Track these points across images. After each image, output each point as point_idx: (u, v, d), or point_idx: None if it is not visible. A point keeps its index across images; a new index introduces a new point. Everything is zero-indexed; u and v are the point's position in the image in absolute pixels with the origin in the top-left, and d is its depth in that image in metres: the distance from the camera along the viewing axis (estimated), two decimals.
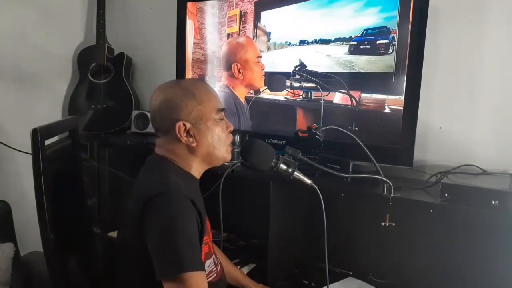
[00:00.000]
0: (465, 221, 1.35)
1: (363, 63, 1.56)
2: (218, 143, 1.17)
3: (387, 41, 1.52)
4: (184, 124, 1.12)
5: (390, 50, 1.52)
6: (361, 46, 1.57)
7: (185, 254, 0.98)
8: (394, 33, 1.50)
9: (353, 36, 1.58)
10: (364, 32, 1.57)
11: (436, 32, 1.55)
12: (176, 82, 1.22)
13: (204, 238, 1.10)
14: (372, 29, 1.56)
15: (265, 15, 1.78)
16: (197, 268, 1.00)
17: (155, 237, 1.00)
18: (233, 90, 1.86)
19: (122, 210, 1.19)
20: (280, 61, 1.74)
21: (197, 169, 1.18)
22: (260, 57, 1.78)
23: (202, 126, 1.14)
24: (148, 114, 1.96)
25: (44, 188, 1.17)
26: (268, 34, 1.77)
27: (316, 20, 1.66)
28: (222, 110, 1.19)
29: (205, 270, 1.05)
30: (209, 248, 1.16)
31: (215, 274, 1.18)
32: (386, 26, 1.52)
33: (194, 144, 1.14)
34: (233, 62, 1.83)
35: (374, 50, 1.55)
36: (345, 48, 1.60)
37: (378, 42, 1.54)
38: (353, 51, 1.59)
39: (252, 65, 1.81)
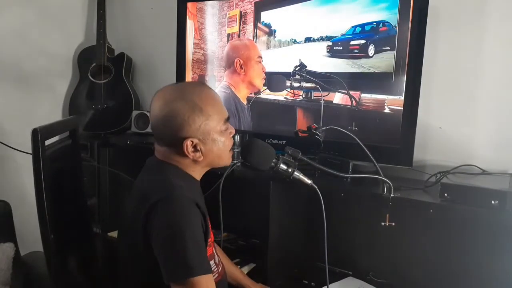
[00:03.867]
0: (465, 221, 1.35)
1: (365, 61, 1.54)
2: (223, 152, 1.17)
3: (362, 41, 1.42)
4: (192, 141, 1.10)
5: (371, 52, 1.41)
6: (334, 48, 1.50)
7: (193, 258, 0.98)
8: (383, 29, 1.43)
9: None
10: (354, 29, 1.48)
11: (436, 32, 1.55)
12: (180, 93, 1.13)
13: (208, 240, 1.10)
14: (362, 25, 1.45)
15: (265, 15, 1.78)
16: (205, 271, 1.00)
17: (162, 242, 1.00)
18: (234, 91, 1.86)
19: (122, 211, 1.19)
20: (284, 59, 1.74)
21: (198, 172, 1.18)
22: (261, 57, 1.79)
23: (209, 140, 1.12)
24: (148, 114, 1.95)
25: (44, 188, 1.17)
26: (273, 31, 1.77)
27: (322, 16, 1.65)
28: (228, 119, 1.18)
29: (212, 272, 1.05)
30: (212, 249, 1.16)
31: (216, 275, 1.18)
32: (376, 22, 1.42)
33: (201, 159, 1.13)
34: (236, 58, 1.84)
35: (346, 53, 1.46)
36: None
37: (351, 43, 1.45)
38: (328, 52, 1.53)
39: (253, 63, 1.81)
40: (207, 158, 1.14)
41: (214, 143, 1.13)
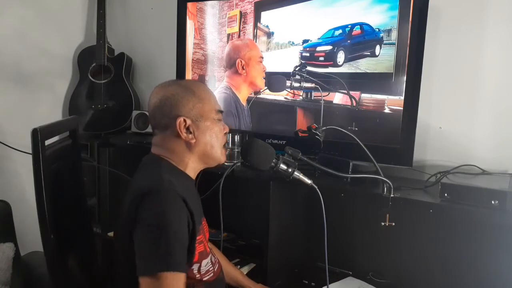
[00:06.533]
0: (465, 221, 1.35)
1: (365, 62, 1.53)
2: (216, 142, 1.19)
3: (329, 47, 1.33)
4: (184, 120, 1.13)
5: (340, 60, 1.28)
6: (303, 54, 1.40)
7: (167, 253, 0.97)
8: (357, 33, 1.33)
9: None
10: (333, 32, 1.38)
11: (436, 32, 1.55)
12: (175, 81, 1.24)
13: (198, 237, 1.10)
14: (342, 28, 1.34)
15: (265, 15, 1.78)
16: (177, 268, 0.98)
17: (141, 233, 1.00)
18: (234, 91, 1.86)
19: (119, 210, 1.19)
20: (282, 60, 1.73)
21: (193, 168, 1.19)
22: (262, 58, 1.79)
23: (202, 124, 1.16)
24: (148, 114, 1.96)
25: (44, 188, 1.17)
26: (271, 34, 1.76)
27: (320, 18, 1.63)
28: (220, 112, 1.22)
29: (186, 272, 1.03)
30: (205, 247, 1.16)
31: (212, 274, 1.18)
32: (352, 24, 1.31)
33: (193, 141, 1.15)
34: (237, 58, 1.84)
35: (313, 60, 1.38)
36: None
37: (317, 49, 1.37)
38: (301, 58, 1.46)
39: (255, 63, 1.81)
40: (200, 143, 1.16)
41: (207, 129, 1.17)
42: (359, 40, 1.40)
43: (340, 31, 1.37)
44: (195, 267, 1.10)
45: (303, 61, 1.52)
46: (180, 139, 1.15)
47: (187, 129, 1.14)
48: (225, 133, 1.23)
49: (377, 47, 1.45)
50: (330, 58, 1.30)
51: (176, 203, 1.03)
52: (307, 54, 1.41)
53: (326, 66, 1.27)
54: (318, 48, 1.34)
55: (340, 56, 1.32)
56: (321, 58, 1.34)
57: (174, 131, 1.14)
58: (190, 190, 1.18)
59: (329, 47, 1.30)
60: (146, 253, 0.99)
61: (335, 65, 1.28)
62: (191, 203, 1.07)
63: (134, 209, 1.02)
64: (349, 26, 1.33)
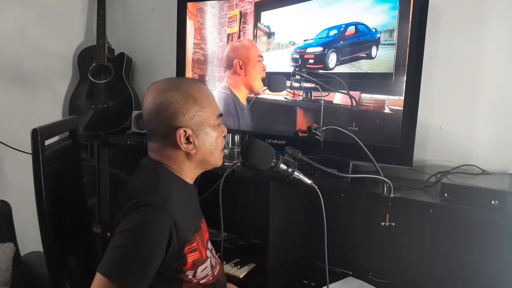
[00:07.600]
0: (465, 221, 1.35)
1: (367, 63, 1.53)
2: (215, 149, 1.16)
3: (319, 49, 1.27)
4: (185, 131, 1.09)
5: (331, 63, 1.20)
6: (293, 56, 1.31)
7: (126, 267, 0.95)
8: (351, 33, 1.28)
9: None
10: (327, 32, 1.31)
11: (436, 32, 1.55)
12: (175, 84, 1.15)
13: (192, 245, 1.08)
14: (337, 27, 1.26)
15: (265, 15, 1.78)
16: (122, 284, 0.95)
17: (118, 233, 0.98)
18: (233, 91, 1.86)
19: (116, 214, 1.18)
20: (283, 60, 1.73)
21: (191, 175, 1.17)
22: (262, 57, 1.78)
23: (202, 132, 1.12)
24: None
25: (44, 188, 1.17)
26: (272, 34, 1.76)
27: (321, 18, 1.62)
28: (220, 115, 1.18)
29: (206, 276, 1.01)
30: (201, 254, 1.13)
31: (211, 277, 1.17)
32: (345, 24, 1.22)
33: (193, 152, 1.12)
34: (235, 58, 1.83)
35: (303, 62, 1.32)
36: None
37: (307, 50, 1.29)
38: (292, 61, 1.42)
39: (253, 62, 1.80)
40: (199, 152, 1.13)
41: (207, 136, 1.13)
42: (352, 41, 1.36)
43: (335, 31, 1.32)
44: (189, 273, 1.09)
45: (294, 64, 1.49)
46: (179, 149, 1.11)
47: (187, 138, 1.10)
48: (224, 135, 1.20)
49: (373, 48, 1.41)
50: (321, 61, 1.23)
51: (162, 223, 1.00)
52: (297, 56, 1.34)
53: (316, 69, 1.19)
54: (308, 50, 1.27)
55: (332, 59, 1.26)
56: (311, 61, 1.27)
57: (172, 141, 1.10)
58: (188, 198, 1.16)
59: (319, 49, 1.24)
60: (110, 253, 0.97)
61: (326, 68, 1.20)
62: (183, 217, 1.04)
63: (126, 215, 1.01)
64: (343, 26, 1.27)
